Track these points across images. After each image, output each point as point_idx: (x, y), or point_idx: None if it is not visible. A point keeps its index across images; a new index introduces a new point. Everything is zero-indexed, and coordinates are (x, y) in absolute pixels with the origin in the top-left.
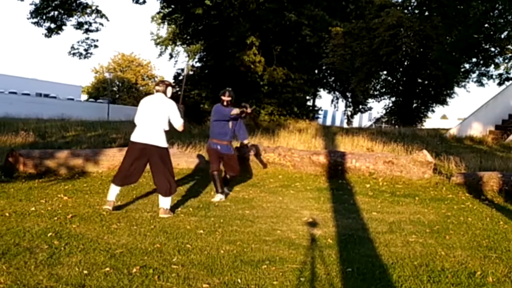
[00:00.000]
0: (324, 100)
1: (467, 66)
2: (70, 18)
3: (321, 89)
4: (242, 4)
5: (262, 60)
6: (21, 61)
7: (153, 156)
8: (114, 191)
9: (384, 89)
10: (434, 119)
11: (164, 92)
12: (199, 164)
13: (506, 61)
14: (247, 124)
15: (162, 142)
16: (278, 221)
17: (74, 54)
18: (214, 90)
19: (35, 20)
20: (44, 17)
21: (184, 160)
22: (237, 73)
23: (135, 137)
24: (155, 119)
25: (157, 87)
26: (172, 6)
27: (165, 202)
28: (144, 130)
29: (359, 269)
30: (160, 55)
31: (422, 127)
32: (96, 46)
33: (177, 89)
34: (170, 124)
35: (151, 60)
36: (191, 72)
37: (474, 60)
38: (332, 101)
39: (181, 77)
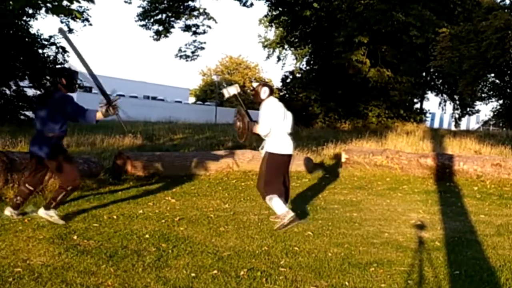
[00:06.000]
0: (431, 102)
1: None
2: (178, 21)
3: (429, 92)
4: (350, 5)
5: (367, 62)
6: (129, 64)
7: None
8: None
9: (491, 92)
10: None
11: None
12: (307, 167)
13: None
14: (355, 126)
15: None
16: (386, 223)
17: (181, 56)
18: (322, 92)
19: (143, 22)
20: (152, 20)
21: (292, 163)
22: (344, 74)
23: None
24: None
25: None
26: (280, 9)
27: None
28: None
29: (466, 271)
30: (267, 57)
31: None
32: (202, 49)
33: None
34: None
35: (259, 63)
36: (298, 75)
37: None
38: (440, 103)
39: (288, 80)
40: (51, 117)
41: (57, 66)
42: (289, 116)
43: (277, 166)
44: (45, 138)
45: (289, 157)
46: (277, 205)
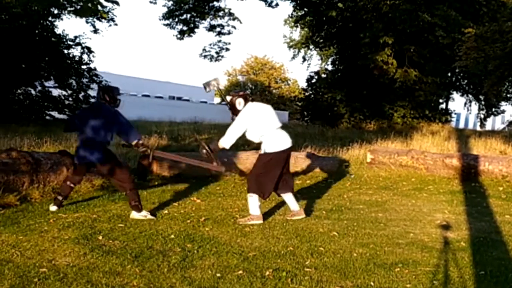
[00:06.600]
0: (457, 103)
1: None
2: (203, 21)
3: (454, 92)
4: (375, 6)
5: (394, 62)
6: (154, 64)
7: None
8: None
9: None
10: None
11: None
12: (333, 167)
13: None
14: (381, 127)
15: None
16: (411, 224)
17: (205, 56)
18: (348, 93)
19: (167, 22)
20: (176, 20)
21: (317, 163)
22: (370, 75)
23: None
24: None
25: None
26: (305, 9)
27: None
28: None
29: (492, 272)
30: (293, 58)
31: None
32: (227, 49)
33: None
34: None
35: (284, 63)
36: (323, 75)
37: None
38: (465, 104)
39: (313, 80)
40: (102, 127)
41: (83, 67)
42: (271, 112)
43: (269, 165)
44: (96, 145)
45: (285, 152)
46: (253, 205)
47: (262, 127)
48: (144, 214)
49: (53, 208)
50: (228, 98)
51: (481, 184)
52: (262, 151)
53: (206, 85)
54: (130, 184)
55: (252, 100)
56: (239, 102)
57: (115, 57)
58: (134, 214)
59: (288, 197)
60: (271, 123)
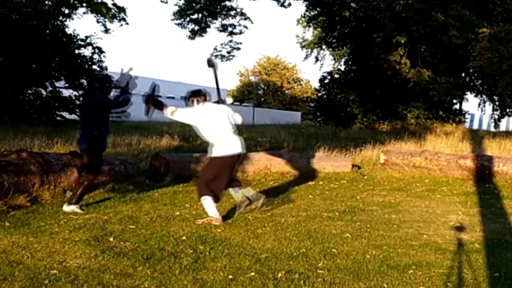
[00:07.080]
0: (471, 103)
1: None
2: (214, 21)
3: (468, 93)
4: (388, 6)
5: (407, 62)
6: (165, 64)
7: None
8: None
9: None
10: None
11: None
12: (345, 168)
13: None
14: (394, 127)
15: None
16: (425, 225)
17: (216, 56)
18: (361, 93)
19: (179, 21)
20: (188, 19)
21: (330, 164)
22: (383, 75)
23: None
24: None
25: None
26: (318, 9)
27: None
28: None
29: (506, 274)
30: (305, 58)
31: None
32: (239, 49)
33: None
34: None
35: (297, 63)
36: (336, 76)
37: None
38: (479, 104)
39: (326, 81)
40: (88, 116)
41: (93, 67)
42: (224, 116)
43: (218, 169)
44: (83, 134)
45: (233, 157)
46: (209, 207)
47: (211, 129)
48: (71, 208)
49: (72, 208)
50: (187, 94)
51: (495, 185)
52: (209, 154)
53: (210, 61)
54: (90, 181)
55: (206, 100)
56: (192, 101)
57: (126, 57)
58: (65, 207)
59: (242, 192)
60: (221, 127)
